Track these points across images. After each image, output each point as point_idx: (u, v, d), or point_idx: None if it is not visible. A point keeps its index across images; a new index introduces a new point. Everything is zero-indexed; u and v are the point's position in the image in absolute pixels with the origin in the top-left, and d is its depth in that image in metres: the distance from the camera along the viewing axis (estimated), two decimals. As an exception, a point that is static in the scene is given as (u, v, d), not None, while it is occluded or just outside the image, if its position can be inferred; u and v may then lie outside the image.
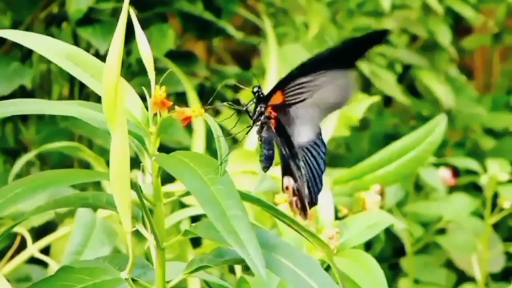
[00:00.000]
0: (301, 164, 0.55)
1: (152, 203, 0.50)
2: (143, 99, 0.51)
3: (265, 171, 0.55)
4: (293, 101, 0.54)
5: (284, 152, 0.54)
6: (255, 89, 0.54)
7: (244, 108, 0.55)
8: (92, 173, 0.55)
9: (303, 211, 0.55)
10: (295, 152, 0.54)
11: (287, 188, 0.55)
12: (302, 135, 0.55)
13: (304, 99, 0.54)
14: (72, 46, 0.52)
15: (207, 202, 0.45)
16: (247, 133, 0.55)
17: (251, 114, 0.55)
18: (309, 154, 0.56)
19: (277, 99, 0.54)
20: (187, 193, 0.48)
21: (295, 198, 0.54)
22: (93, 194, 0.51)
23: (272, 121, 0.54)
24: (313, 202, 0.56)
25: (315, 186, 0.56)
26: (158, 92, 0.49)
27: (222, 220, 0.44)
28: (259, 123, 0.54)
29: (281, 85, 0.54)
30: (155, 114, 0.50)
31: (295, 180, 0.54)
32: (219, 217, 0.44)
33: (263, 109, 0.54)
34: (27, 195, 0.45)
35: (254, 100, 0.54)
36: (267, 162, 0.55)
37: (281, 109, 0.54)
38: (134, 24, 0.49)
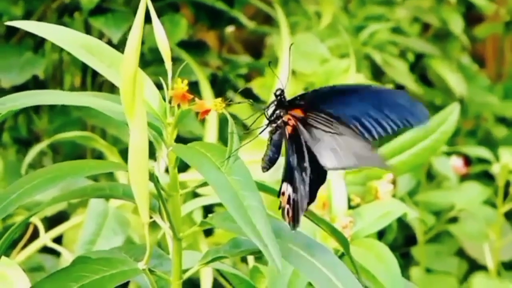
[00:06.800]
0: (307, 178, 0.52)
1: (169, 193, 0.50)
2: (158, 88, 0.51)
3: (264, 172, 0.54)
4: (315, 126, 0.52)
5: (291, 161, 0.53)
6: (278, 92, 0.53)
7: (264, 109, 0.54)
8: (109, 164, 0.55)
9: (294, 222, 0.53)
10: (305, 167, 0.52)
11: (283, 194, 0.53)
12: (325, 159, 0.52)
13: (327, 131, 0.52)
14: (88, 36, 0.52)
15: (224, 192, 0.45)
16: (261, 132, 0.54)
17: (268, 114, 0.54)
18: None
19: (298, 112, 0.53)
20: (205, 184, 0.48)
21: (287, 206, 0.53)
22: (110, 184, 0.51)
23: (289, 127, 0.53)
24: (311, 200, 0.55)
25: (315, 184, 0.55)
26: (180, 85, 0.48)
27: (239, 211, 0.44)
28: (274, 125, 0.53)
29: (305, 106, 0.53)
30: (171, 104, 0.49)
31: (294, 191, 0.53)
32: (236, 208, 0.44)
33: (281, 114, 0.53)
34: (44, 186, 0.46)
35: (275, 102, 0.53)
36: (268, 164, 0.54)
37: (303, 121, 0.53)
38: (151, 14, 0.49)
